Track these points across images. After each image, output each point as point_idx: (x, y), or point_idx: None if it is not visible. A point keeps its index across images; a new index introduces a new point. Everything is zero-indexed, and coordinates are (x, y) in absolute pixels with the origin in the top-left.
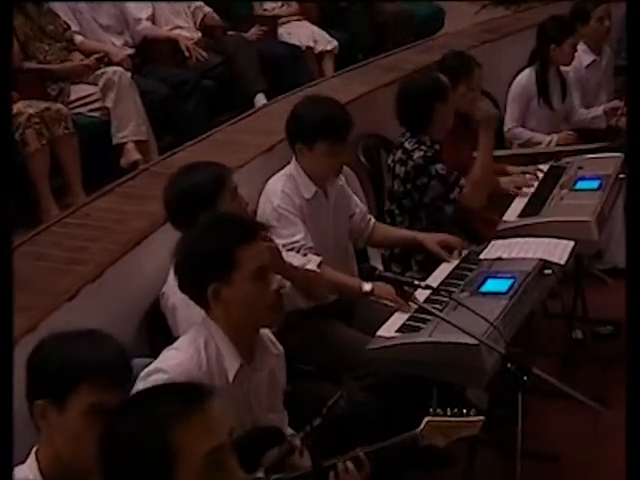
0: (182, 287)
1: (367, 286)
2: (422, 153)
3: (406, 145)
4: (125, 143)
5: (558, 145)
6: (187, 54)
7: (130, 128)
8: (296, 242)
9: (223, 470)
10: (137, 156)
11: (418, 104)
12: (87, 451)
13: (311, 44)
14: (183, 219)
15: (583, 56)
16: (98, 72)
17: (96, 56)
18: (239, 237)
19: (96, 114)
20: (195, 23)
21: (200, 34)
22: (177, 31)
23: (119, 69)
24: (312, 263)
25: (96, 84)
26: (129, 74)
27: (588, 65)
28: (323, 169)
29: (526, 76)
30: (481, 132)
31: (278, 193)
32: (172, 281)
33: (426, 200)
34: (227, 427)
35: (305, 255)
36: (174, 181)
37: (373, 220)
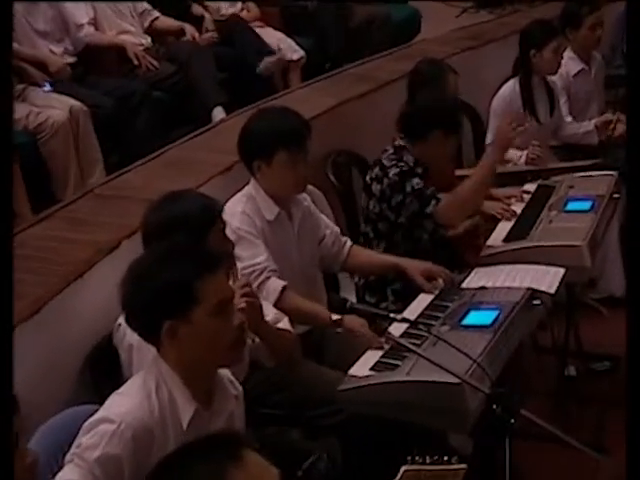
0: (130, 322)
1: (337, 315)
2: (398, 170)
3: (384, 161)
4: None
5: (531, 161)
6: (136, 62)
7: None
8: (258, 264)
9: None
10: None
11: (419, 122)
12: None
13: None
14: None
15: (570, 64)
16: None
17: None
18: (199, 268)
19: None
20: (142, 27)
21: (149, 39)
22: (123, 36)
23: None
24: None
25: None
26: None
27: (576, 74)
28: (285, 184)
29: (509, 89)
30: (491, 149)
31: (237, 215)
32: None
33: (402, 220)
34: (274, 473)
35: (268, 279)
36: (158, 208)
37: (349, 243)
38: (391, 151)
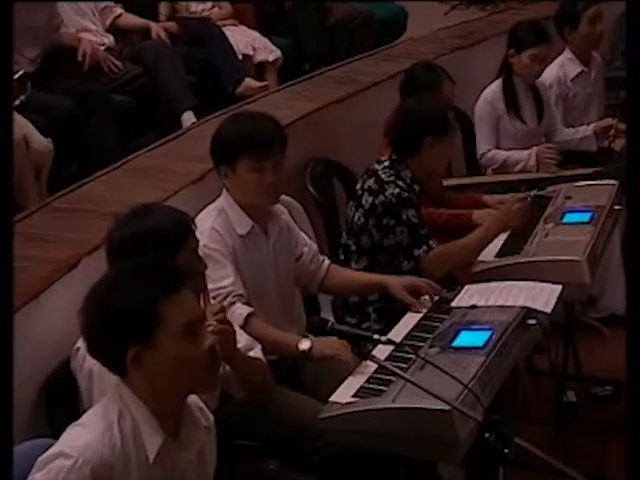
0: (91, 350)
1: (305, 344)
2: (397, 191)
3: (381, 174)
4: None
5: (540, 161)
6: (80, 57)
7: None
8: (223, 288)
9: None
10: None
11: (408, 129)
12: None
13: (249, 52)
14: None
15: (569, 67)
16: None
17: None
18: (161, 287)
19: None
20: (104, 25)
21: (112, 38)
22: (83, 34)
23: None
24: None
25: None
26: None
27: (574, 77)
28: (251, 193)
29: (492, 91)
30: (494, 218)
31: (206, 231)
32: None
33: (387, 243)
34: None
35: (233, 304)
36: (125, 223)
37: (327, 262)
38: (387, 164)
